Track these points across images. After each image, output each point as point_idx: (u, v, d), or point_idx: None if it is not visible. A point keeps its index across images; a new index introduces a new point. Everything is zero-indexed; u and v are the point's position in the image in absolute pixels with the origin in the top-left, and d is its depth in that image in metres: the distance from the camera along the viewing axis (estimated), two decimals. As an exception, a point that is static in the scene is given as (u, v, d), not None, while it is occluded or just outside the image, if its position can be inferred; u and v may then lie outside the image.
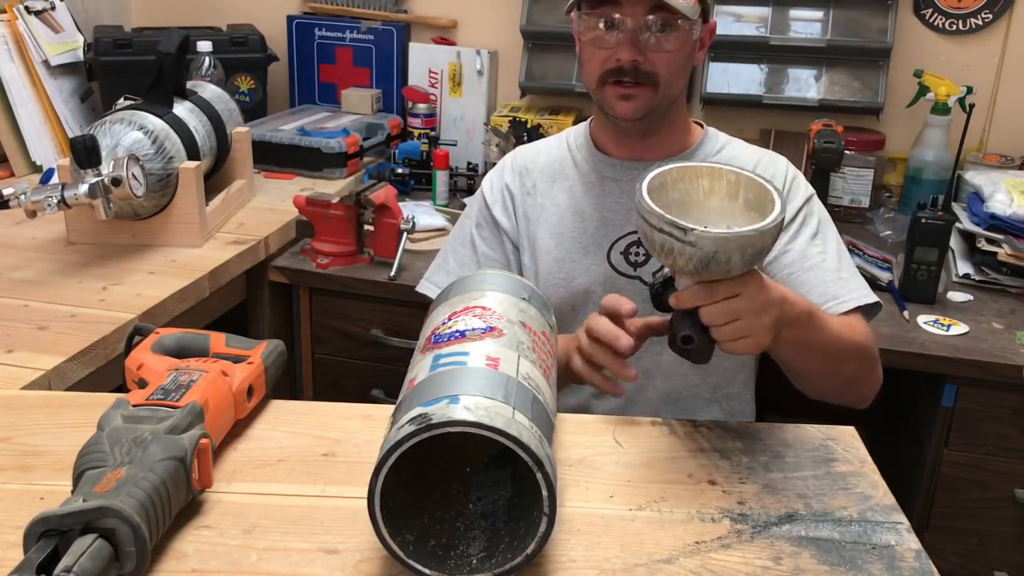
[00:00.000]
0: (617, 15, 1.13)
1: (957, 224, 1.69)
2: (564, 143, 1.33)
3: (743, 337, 0.89)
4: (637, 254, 1.24)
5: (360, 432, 0.92)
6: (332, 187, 1.93)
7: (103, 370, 1.20)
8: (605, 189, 1.26)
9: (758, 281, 0.89)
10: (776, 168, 1.26)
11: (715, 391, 1.26)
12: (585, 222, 1.26)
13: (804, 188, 1.26)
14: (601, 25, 1.14)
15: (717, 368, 1.25)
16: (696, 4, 1.14)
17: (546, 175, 1.30)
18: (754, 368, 1.29)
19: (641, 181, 0.89)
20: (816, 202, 1.27)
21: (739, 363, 1.26)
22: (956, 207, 1.80)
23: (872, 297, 1.20)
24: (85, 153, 1.35)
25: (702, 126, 1.32)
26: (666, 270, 0.95)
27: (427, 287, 1.34)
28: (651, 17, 1.12)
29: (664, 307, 0.94)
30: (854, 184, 1.98)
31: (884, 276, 1.62)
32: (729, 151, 1.28)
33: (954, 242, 1.73)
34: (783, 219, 0.86)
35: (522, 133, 2.02)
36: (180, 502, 0.74)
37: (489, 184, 1.35)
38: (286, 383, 1.73)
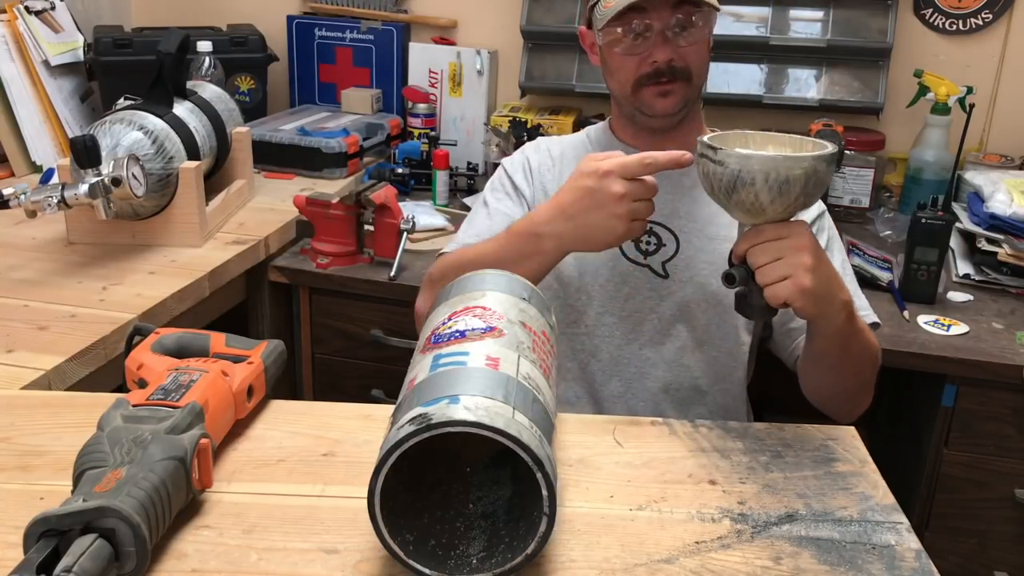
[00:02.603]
0: (646, 21, 1.17)
1: (957, 224, 1.69)
2: (584, 136, 1.37)
3: (784, 279, 0.92)
4: (648, 243, 1.25)
5: (360, 432, 0.92)
6: (332, 187, 1.93)
7: (103, 370, 1.20)
8: None
9: (803, 228, 0.94)
10: None
11: (713, 384, 1.27)
12: None
13: (817, 204, 1.29)
14: (626, 31, 1.18)
15: (719, 361, 1.26)
16: None
17: (562, 158, 1.33)
18: (747, 368, 1.30)
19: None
20: (827, 219, 1.31)
21: (739, 360, 1.27)
22: (956, 207, 1.80)
23: (874, 317, 1.24)
24: (85, 153, 1.35)
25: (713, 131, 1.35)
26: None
27: (452, 246, 1.33)
28: (679, 16, 1.17)
29: (726, 273, 0.97)
30: (854, 184, 1.98)
31: (884, 276, 1.62)
32: None
33: (954, 242, 1.73)
34: (819, 159, 0.89)
35: (522, 133, 2.02)
36: (180, 502, 0.74)
37: (510, 161, 1.38)
38: (286, 383, 1.73)
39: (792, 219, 0.95)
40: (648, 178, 1.02)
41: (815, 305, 0.95)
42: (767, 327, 1.29)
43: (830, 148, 0.92)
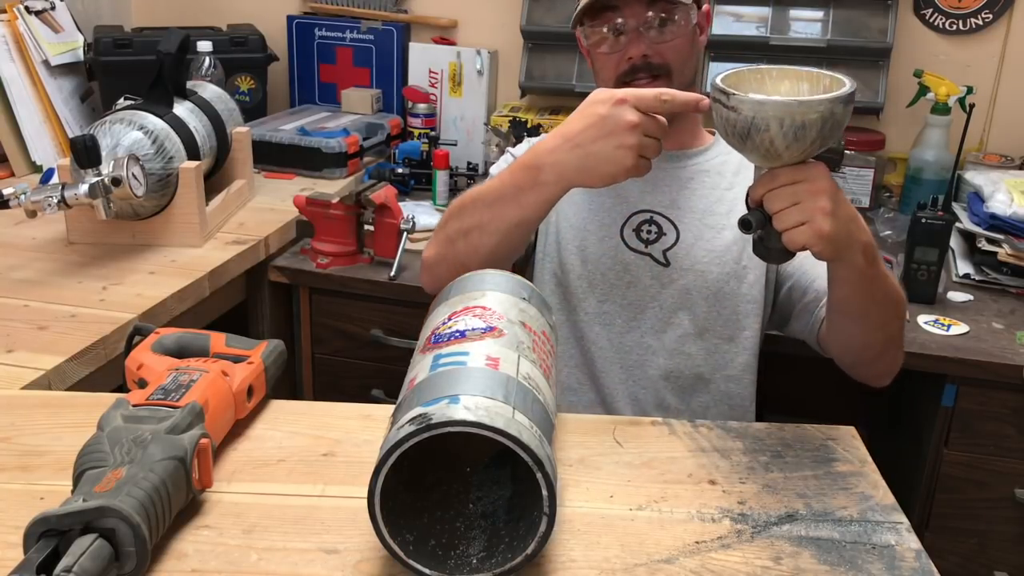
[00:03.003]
0: (619, 19, 1.20)
1: (957, 224, 1.69)
2: None
3: (802, 223, 0.90)
4: (649, 231, 1.27)
5: (360, 432, 0.92)
6: (332, 187, 1.93)
7: (103, 370, 1.20)
8: None
9: (821, 171, 0.92)
10: None
11: (715, 371, 1.27)
12: (601, 196, 1.29)
13: None
14: (606, 31, 1.21)
15: (720, 348, 1.27)
16: None
17: None
18: (755, 354, 1.29)
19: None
20: None
21: (742, 346, 1.27)
22: (956, 207, 1.80)
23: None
24: (85, 153, 1.35)
25: (714, 135, 1.36)
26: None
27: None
28: (651, 13, 1.19)
29: (743, 219, 0.95)
30: (854, 184, 1.98)
31: (884, 276, 1.62)
32: (730, 155, 1.32)
33: (954, 242, 1.73)
34: (835, 101, 0.87)
35: (522, 133, 2.02)
36: (180, 502, 0.74)
37: (517, 149, 1.40)
38: (286, 383, 1.73)
39: (809, 161, 0.93)
40: (660, 117, 1.00)
41: (835, 249, 0.94)
42: (782, 321, 1.30)
43: (847, 87, 0.89)
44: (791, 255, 0.95)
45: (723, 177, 1.31)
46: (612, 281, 1.27)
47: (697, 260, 1.26)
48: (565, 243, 1.29)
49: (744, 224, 0.93)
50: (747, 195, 0.95)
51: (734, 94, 0.87)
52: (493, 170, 1.38)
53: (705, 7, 1.28)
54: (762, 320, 1.29)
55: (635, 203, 1.28)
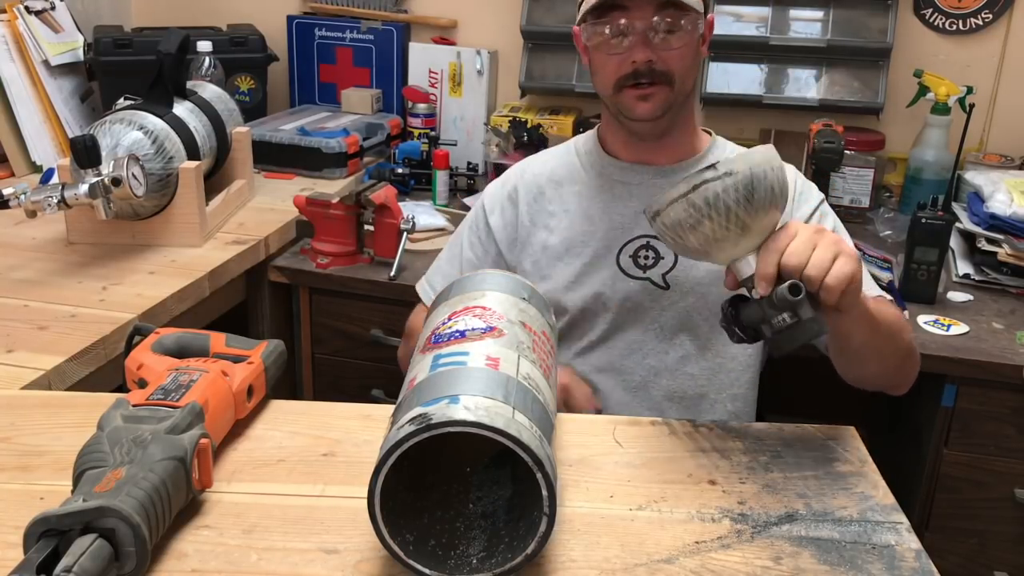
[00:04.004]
0: (625, 20, 1.15)
1: (957, 224, 1.69)
2: (571, 149, 1.34)
3: (833, 260, 0.86)
4: (647, 257, 1.25)
5: (360, 432, 0.92)
6: (332, 187, 1.93)
7: (103, 370, 1.20)
8: (615, 193, 1.26)
9: (799, 223, 0.90)
10: (787, 174, 1.27)
11: (720, 391, 1.26)
12: (595, 226, 1.26)
13: (816, 194, 1.29)
14: (609, 31, 1.16)
15: (724, 367, 1.25)
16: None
17: (554, 181, 1.31)
18: (758, 370, 1.29)
19: (651, 205, 0.90)
20: (827, 207, 1.29)
21: (745, 363, 1.26)
22: (956, 207, 1.80)
23: (888, 297, 1.22)
24: (85, 153, 1.35)
25: (711, 134, 1.33)
26: (723, 303, 0.93)
27: (424, 288, 1.39)
28: (658, 18, 1.14)
29: (752, 325, 0.90)
30: (854, 184, 1.98)
31: (884, 276, 1.62)
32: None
33: (954, 242, 1.73)
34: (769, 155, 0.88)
35: (522, 133, 2.02)
36: (180, 502, 0.74)
37: (492, 191, 1.36)
38: (286, 383, 1.73)
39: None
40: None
41: (857, 289, 0.90)
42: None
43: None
44: (822, 325, 0.87)
45: None
46: (612, 310, 1.25)
47: (697, 281, 1.23)
48: (562, 283, 1.26)
49: (794, 289, 0.84)
50: (743, 312, 0.90)
51: (717, 163, 0.85)
52: (466, 224, 1.36)
53: (710, 17, 1.24)
54: (758, 352, 1.27)
55: (630, 229, 1.25)
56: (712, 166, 0.85)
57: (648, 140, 1.24)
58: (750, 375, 1.28)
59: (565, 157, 1.33)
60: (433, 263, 1.41)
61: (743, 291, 0.91)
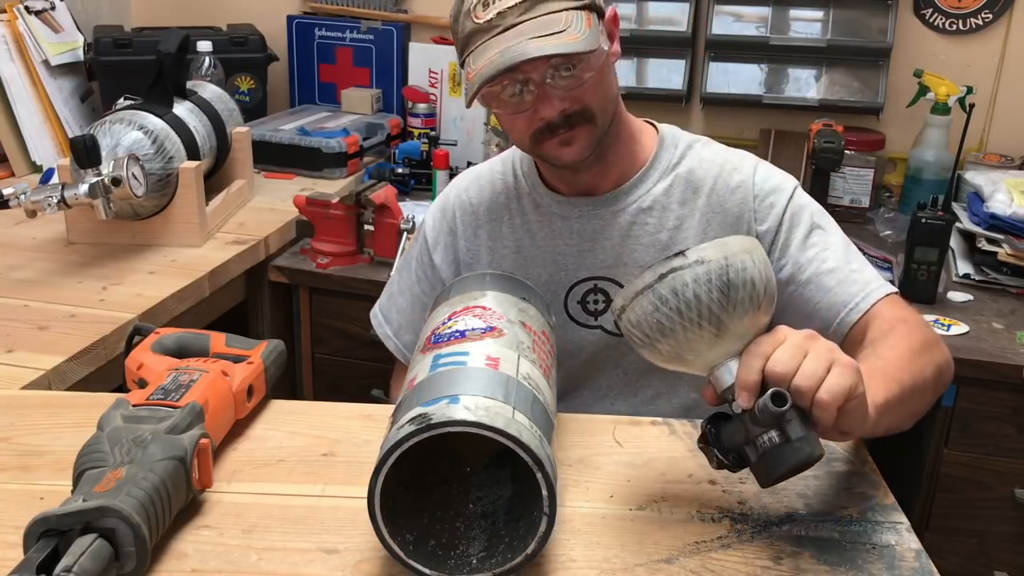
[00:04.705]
0: (520, 77, 1.00)
1: (957, 224, 1.69)
2: (510, 170, 1.20)
3: (828, 370, 0.72)
4: (596, 301, 1.14)
5: (360, 432, 0.92)
6: (332, 187, 1.93)
7: (103, 370, 1.20)
8: (554, 229, 1.15)
9: (788, 328, 0.77)
10: (742, 173, 1.12)
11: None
12: (537, 268, 1.15)
13: (782, 187, 1.12)
14: (506, 94, 1.03)
15: (697, 402, 1.15)
16: (590, 24, 0.99)
17: (491, 213, 1.19)
18: None
19: (616, 301, 0.79)
20: (801, 195, 1.12)
21: None
22: (956, 207, 1.79)
23: (890, 288, 1.07)
24: (85, 153, 1.35)
25: (656, 127, 1.18)
26: (702, 423, 0.79)
27: (378, 319, 1.30)
28: (552, 70, 0.99)
29: (735, 448, 0.76)
30: (854, 184, 1.98)
31: (884, 276, 1.61)
32: (690, 159, 1.14)
33: (954, 242, 1.73)
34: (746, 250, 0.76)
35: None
36: (180, 502, 0.74)
37: (432, 222, 1.23)
38: (286, 383, 1.73)
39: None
40: None
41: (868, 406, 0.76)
42: None
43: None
44: (814, 447, 0.73)
45: (668, 212, 1.12)
46: (566, 361, 1.15)
47: None
48: None
49: (778, 399, 0.71)
50: (726, 431, 0.76)
51: (685, 250, 0.75)
52: (413, 254, 1.26)
53: (611, 10, 1.06)
54: None
55: (574, 271, 1.14)
56: (681, 253, 0.74)
57: (583, 173, 1.11)
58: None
59: (502, 183, 1.19)
60: (386, 288, 1.32)
61: (725, 408, 0.77)
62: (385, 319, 1.30)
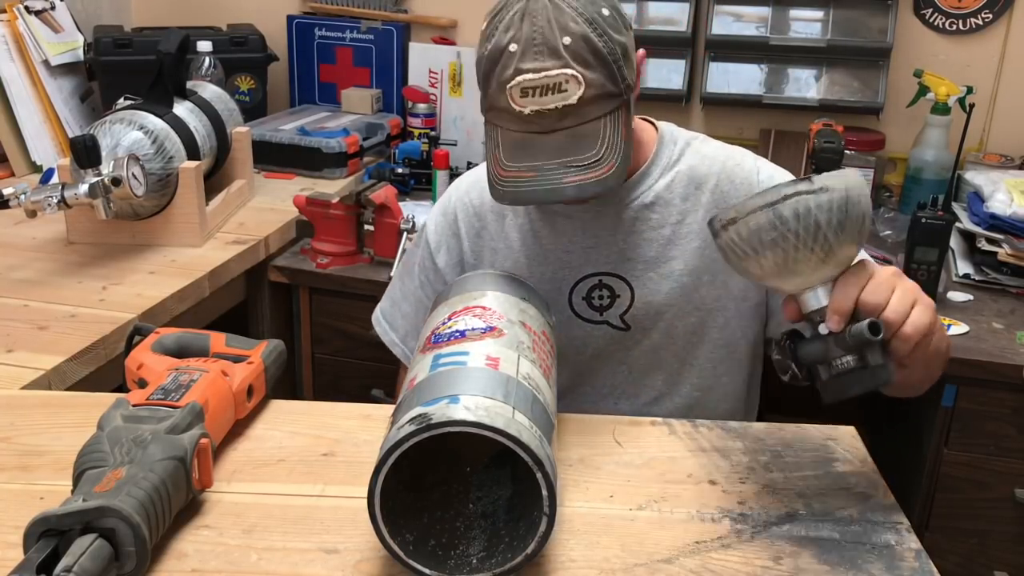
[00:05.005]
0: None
1: (957, 224, 1.69)
2: None
3: (913, 306, 0.79)
4: (601, 297, 1.15)
5: (360, 432, 0.92)
6: (332, 187, 1.93)
7: (103, 370, 1.20)
8: (558, 228, 1.15)
9: (869, 261, 0.84)
10: (745, 169, 1.15)
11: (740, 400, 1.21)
12: (542, 266, 1.16)
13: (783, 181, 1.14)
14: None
15: (699, 401, 1.19)
16: (623, 137, 0.98)
17: (494, 212, 1.19)
18: (742, 397, 1.24)
19: (723, 212, 0.82)
20: None
21: (720, 393, 1.19)
22: (956, 207, 1.80)
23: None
24: (85, 153, 1.35)
25: (654, 125, 1.19)
26: (778, 336, 0.84)
27: (381, 324, 1.30)
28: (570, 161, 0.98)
29: (810, 364, 0.81)
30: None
31: (884, 276, 1.62)
32: (690, 156, 1.16)
33: (954, 242, 1.73)
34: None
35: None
36: (180, 502, 0.74)
37: (434, 225, 1.24)
38: (286, 383, 1.73)
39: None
40: None
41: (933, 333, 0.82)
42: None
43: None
44: (889, 375, 0.78)
45: (672, 207, 1.13)
46: (572, 358, 1.16)
47: (659, 317, 1.14)
48: None
49: (873, 328, 0.76)
50: (802, 348, 0.81)
51: (811, 177, 0.78)
52: (416, 260, 1.25)
53: (640, 53, 1.05)
54: (750, 357, 1.20)
55: (579, 267, 1.15)
56: (807, 178, 0.78)
57: None
58: (730, 404, 1.21)
59: None
60: (387, 293, 1.32)
61: (801, 327, 0.84)
62: (390, 325, 1.29)
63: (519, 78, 0.95)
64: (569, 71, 0.94)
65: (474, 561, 0.70)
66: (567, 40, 0.95)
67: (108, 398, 0.87)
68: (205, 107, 1.72)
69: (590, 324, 1.16)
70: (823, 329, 0.80)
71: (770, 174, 1.16)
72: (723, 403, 1.21)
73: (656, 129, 1.18)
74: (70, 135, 1.96)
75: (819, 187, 0.77)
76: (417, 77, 2.27)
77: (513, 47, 0.96)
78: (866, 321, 0.77)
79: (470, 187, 1.23)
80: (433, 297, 1.19)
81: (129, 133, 1.48)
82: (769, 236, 0.78)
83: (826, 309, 0.80)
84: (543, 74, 0.95)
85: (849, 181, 0.79)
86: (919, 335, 0.79)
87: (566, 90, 0.95)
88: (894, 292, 0.79)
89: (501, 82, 0.97)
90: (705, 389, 1.19)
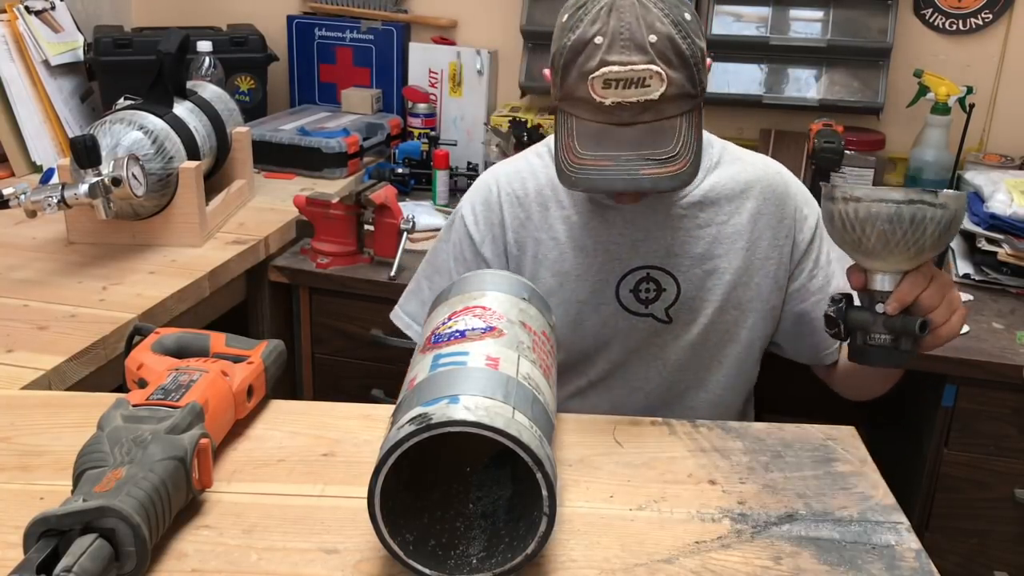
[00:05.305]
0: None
1: (957, 224, 1.69)
2: (550, 160, 1.20)
3: (954, 312, 0.97)
4: (648, 290, 1.17)
5: (360, 432, 0.92)
6: (332, 187, 1.93)
7: (103, 370, 1.20)
8: (607, 219, 1.17)
9: (935, 268, 0.99)
10: (784, 179, 1.21)
11: (715, 420, 1.23)
12: (589, 258, 1.17)
13: (812, 200, 1.23)
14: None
15: (722, 400, 1.23)
16: (695, 136, 1.03)
17: (538, 203, 1.20)
18: (751, 394, 1.30)
19: (837, 193, 0.95)
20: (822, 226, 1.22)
21: (737, 393, 1.25)
22: (956, 207, 1.79)
23: None
24: (85, 153, 1.35)
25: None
26: (838, 294, 1.01)
27: (402, 319, 1.30)
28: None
29: (852, 326, 0.99)
30: (854, 184, 1.98)
31: (884, 276, 1.62)
32: (728, 161, 1.21)
33: (954, 242, 1.73)
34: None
35: (522, 133, 2.02)
36: (180, 502, 0.74)
37: (473, 216, 1.23)
38: (286, 383, 1.73)
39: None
40: None
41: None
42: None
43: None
44: (906, 360, 0.98)
45: (719, 207, 1.18)
46: (614, 349, 1.19)
47: (701, 313, 1.17)
48: (556, 317, 1.12)
49: (924, 326, 0.95)
50: (851, 314, 0.98)
51: (937, 191, 0.91)
52: (449, 249, 1.25)
53: (708, 62, 1.08)
54: (760, 359, 1.25)
55: (628, 260, 1.16)
56: (933, 192, 0.91)
57: None
58: (742, 402, 1.27)
59: (545, 172, 1.20)
60: (412, 294, 1.31)
61: (860, 296, 1.00)
62: (411, 320, 1.29)
63: (604, 69, 0.98)
64: (654, 67, 0.98)
65: (474, 561, 0.70)
66: (653, 38, 0.98)
67: (108, 398, 0.87)
68: (205, 107, 1.72)
69: (635, 316, 1.18)
70: (879, 308, 0.96)
71: (799, 187, 1.23)
72: (739, 400, 1.26)
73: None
74: (70, 135, 1.96)
75: (941, 203, 0.90)
76: (417, 77, 2.27)
77: (599, 39, 0.98)
78: (919, 319, 0.95)
79: (511, 178, 1.23)
80: None
81: (129, 133, 1.48)
82: (882, 226, 0.91)
83: (889, 293, 0.96)
84: (628, 67, 0.97)
85: (961, 203, 0.92)
86: (948, 340, 0.98)
87: (648, 85, 0.98)
88: (944, 299, 0.96)
89: (583, 72, 0.99)
90: (728, 388, 1.22)
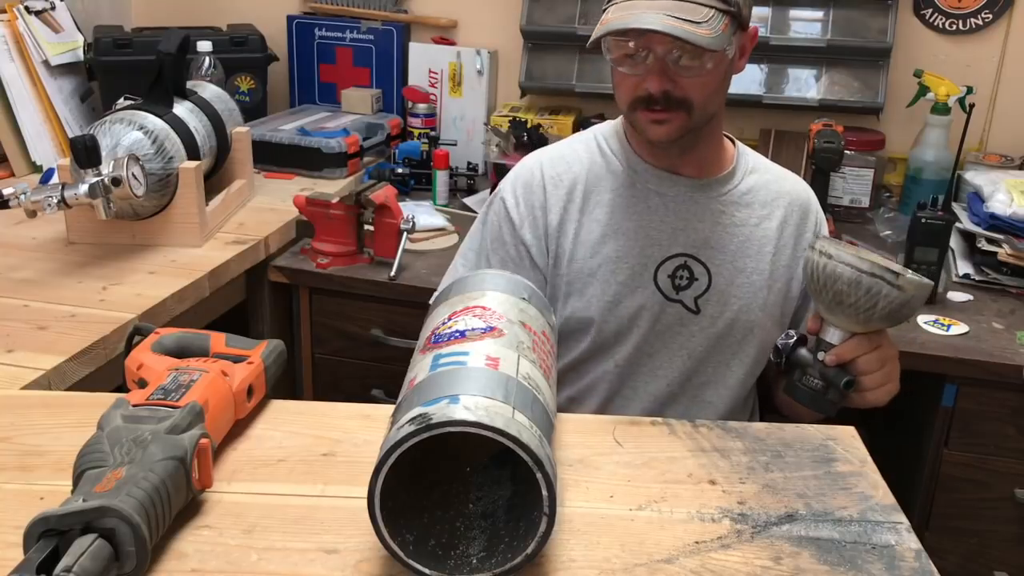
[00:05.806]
0: (645, 43, 1.08)
1: (957, 224, 1.69)
2: (594, 146, 1.26)
3: (887, 384, 1.07)
4: (682, 277, 1.20)
5: (360, 432, 0.92)
6: (332, 187, 1.93)
7: (103, 370, 1.20)
8: (650, 204, 1.20)
9: (887, 335, 1.07)
10: (803, 187, 1.30)
11: (726, 416, 1.24)
12: (629, 241, 1.20)
13: (820, 210, 1.31)
14: (632, 45, 1.09)
15: (738, 396, 1.26)
16: (726, 29, 1.08)
17: (581, 187, 1.23)
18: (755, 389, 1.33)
19: (816, 244, 1.04)
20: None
21: (750, 391, 1.29)
22: (956, 207, 1.80)
23: None
24: (85, 153, 1.35)
25: (733, 141, 1.28)
26: (792, 331, 1.10)
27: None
28: (676, 51, 1.08)
29: (792, 363, 1.08)
30: (854, 184, 1.98)
31: (884, 276, 1.62)
32: (760, 168, 1.27)
33: (954, 242, 1.73)
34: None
35: (522, 133, 2.02)
36: (180, 502, 0.74)
37: (514, 198, 1.25)
38: (286, 383, 1.73)
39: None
40: None
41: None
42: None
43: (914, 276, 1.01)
44: (832, 411, 1.07)
45: (752, 209, 1.23)
46: (644, 331, 1.20)
47: (727, 307, 1.20)
48: (594, 301, 1.20)
49: (849, 384, 1.04)
50: (797, 354, 1.07)
51: (902, 274, 0.97)
52: (489, 233, 1.27)
53: (753, 29, 1.17)
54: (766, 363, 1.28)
55: (668, 246, 1.20)
56: (895, 273, 0.98)
57: (669, 152, 1.19)
58: (752, 396, 1.31)
59: (587, 156, 1.25)
60: (448, 273, 1.32)
61: (809, 339, 1.09)
62: None
63: None
64: None
65: (474, 561, 0.70)
66: None
67: (108, 398, 0.87)
68: (205, 107, 1.72)
69: (668, 302, 1.21)
70: (820, 355, 1.05)
71: (818, 205, 1.30)
72: (750, 399, 1.30)
73: (733, 144, 1.29)
74: (70, 135, 1.96)
75: (899, 284, 0.97)
76: (417, 77, 2.27)
77: None
78: (848, 376, 1.04)
79: (554, 162, 1.26)
80: (508, 265, 1.24)
81: (129, 133, 1.48)
82: (840, 286, 0.99)
83: (833, 346, 1.04)
84: None
85: (922, 291, 0.99)
86: (873, 405, 1.09)
87: None
88: (882, 368, 1.05)
89: None
90: (743, 385, 1.25)
